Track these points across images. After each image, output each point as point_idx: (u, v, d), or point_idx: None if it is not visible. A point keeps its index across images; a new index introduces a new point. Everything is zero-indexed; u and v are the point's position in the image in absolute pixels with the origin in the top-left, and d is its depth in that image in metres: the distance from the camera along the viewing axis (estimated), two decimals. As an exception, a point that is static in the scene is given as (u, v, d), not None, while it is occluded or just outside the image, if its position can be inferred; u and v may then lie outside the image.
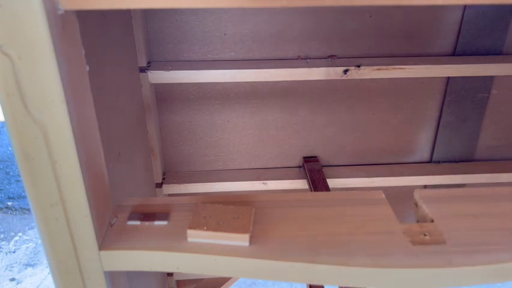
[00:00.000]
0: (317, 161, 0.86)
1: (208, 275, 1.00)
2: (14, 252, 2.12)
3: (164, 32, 0.72)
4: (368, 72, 0.72)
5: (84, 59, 0.32)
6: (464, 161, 0.89)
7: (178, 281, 1.02)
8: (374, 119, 0.84)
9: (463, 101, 0.82)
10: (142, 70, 0.70)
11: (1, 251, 2.12)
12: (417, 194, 0.40)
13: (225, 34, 0.73)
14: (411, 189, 0.39)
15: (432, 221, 0.37)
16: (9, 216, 2.36)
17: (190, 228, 0.36)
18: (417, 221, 0.40)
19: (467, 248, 0.34)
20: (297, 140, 0.86)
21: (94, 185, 0.34)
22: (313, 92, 0.80)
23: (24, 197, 2.47)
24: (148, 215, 0.39)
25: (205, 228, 0.36)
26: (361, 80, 0.73)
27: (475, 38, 0.76)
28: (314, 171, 0.83)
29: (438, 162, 0.89)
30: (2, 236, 2.22)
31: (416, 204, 0.41)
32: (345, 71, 0.72)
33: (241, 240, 0.36)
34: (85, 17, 0.39)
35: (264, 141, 0.85)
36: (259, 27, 0.73)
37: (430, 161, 0.90)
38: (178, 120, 0.81)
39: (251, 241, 0.36)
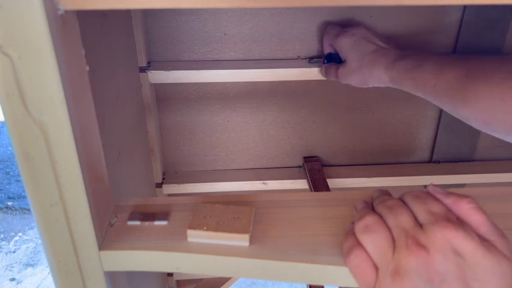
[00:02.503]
0: (317, 161, 0.86)
1: (208, 275, 1.00)
2: (14, 252, 2.12)
3: (164, 32, 0.72)
4: (368, 72, 0.72)
5: (84, 59, 0.32)
6: (464, 161, 0.89)
7: (178, 281, 1.02)
8: (374, 119, 0.84)
9: (463, 101, 0.82)
10: (142, 70, 0.70)
11: (1, 251, 2.12)
12: (417, 194, 0.40)
13: (225, 34, 0.73)
14: (411, 189, 0.39)
15: (432, 221, 0.37)
16: (9, 216, 2.36)
17: (190, 228, 0.36)
18: (418, 221, 0.40)
19: (467, 248, 0.34)
20: (297, 140, 0.86)
21: (94, 185, 0.34)
22: (313, 92, 0.80)
23: (24, 197, 2.47)
24: (148, 215, 0.39)
25: (205, 228, 0.36)
26: (361, 80, 0.73)
27: (475, 38, 0.76)
28: (314, 171, 0.83)
29: (438, 162, 0.89)
30: (2, 236, 2.22)
31: (416, 204, 0.40)
32: (345, 71, 0.72)
33: (241, 240, 0.36)
34: (85, 17, 0.39)
35: (264, 141, 0.85)
36: (259, 27, 0.73)
37: (430, 161, 0.90)
38: (178, 120, 0.81)
39: (251, 241, 0.36)
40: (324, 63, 0.71)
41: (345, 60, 0.66)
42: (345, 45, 0.65)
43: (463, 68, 0.52)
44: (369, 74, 0.63)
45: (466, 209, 0.32)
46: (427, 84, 0.55)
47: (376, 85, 0.64)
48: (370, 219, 0.34)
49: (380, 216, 0.34)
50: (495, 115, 0.49)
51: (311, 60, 0.73)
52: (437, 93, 0.55)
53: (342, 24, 0.71)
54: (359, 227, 0.34)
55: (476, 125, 0.53)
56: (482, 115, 0.50)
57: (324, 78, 0.72)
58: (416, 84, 0.57)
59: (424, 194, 0.35)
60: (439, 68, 0.55)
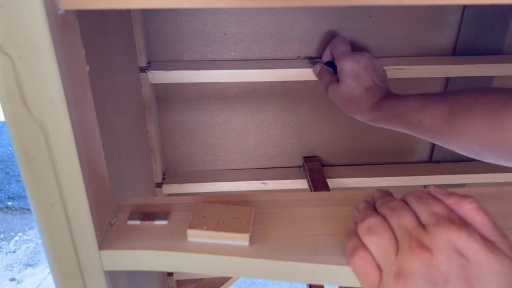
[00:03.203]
0: (317, 161, 0.86)
1: (208, 275, 1.00)
2: (14, 252, 2.12)
3: (164, 32, 0.72)
4: (368, 72, 0.72)
5: (84, 59, 0.32)
6: (464, 161, 0.89)
7: (178, 281, 1.02)
8: (374, 119, 0.84)
9: (462, 101, 0.82)
10: (142, 70, 0.70)
11: (1, 251, 2.13)
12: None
13: (225, 34, 0.73)
14: (411, 189, 0.39)
15: (432, 220, 0.37)
16: (9, 216, 2.36)
17: (190, 227, 0.36)
18: (417, 221, 0.40)
19: (467, 247, 0.34)
20: (297, 140, 0.86)
21: (94, 185, 0.34)
22: (313, 92, 0.80)
23: (24, 197, 2.47)
24: (148, 215, 0.39)
25: (205, 228, 0.36)
26: (361, 80, 0.73)
27: (475, 38, 0.76)
28: (314, 171, 0.83)
29: (438, 162, 0.89)
30: (2, 236, 2.22)
31: (416, 204, 0.40)
32: (345, 71, 0.72)
33: (241, 239, 0.36)
34: (85, 16, 0.39)
35: (264, 141, 0.85)
36: (259, 27, 0.73)
37: (430, 161, 0.90)
38: (178, 120, 0.81)
39: (251, 241, 0.36)
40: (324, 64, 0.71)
41: (340, 79, 0.67)
42: (346, 69, 0.66)
43: (444, 104, 0.55)
44: (353, 108, 0.66)
45: (467, 210, 0.32)
46: (412, 121, 0.58)
47: (355, 117, 0.67)
48: (373, 221, 0.34)
49: (383, 217, 0.34)
50: (481, 145, 0.52)
51: (311, 60, 0.73)
52: (423, 128, 0.57)
53: (359, 43, 0.72)
54: (362, 228, 0.34)
55: (465, 154, 0.56)
56: (470, 146, 0.53)
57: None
58: (401, 121, 0.60)
59: (426, 194, 0.35)
60: (422, 104, 0.57)
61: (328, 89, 0.68)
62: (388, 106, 0.61)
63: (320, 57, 0.75)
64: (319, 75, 0.70)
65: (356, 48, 0.75)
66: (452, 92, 0.57)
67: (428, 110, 0.56)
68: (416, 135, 0.60)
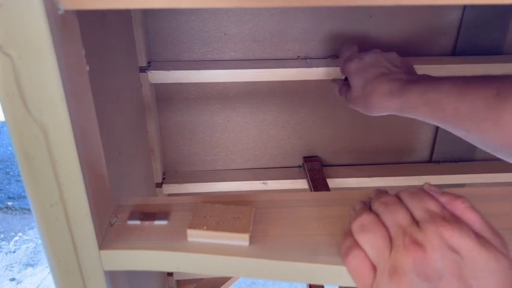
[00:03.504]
0: (317, 161, 0.86)
1: (208, 275, 1.00)
2: (14, 252, 2.12)
3: (165, 32, 0.72)
4: (368, 72, 0.72)
5: (84, 59, 0.32)
6: (464, 161, 0.89)
7: (178, 281, 1.02)
8: (374, 118, 0.84)
9: (462, 101, 0.82)
10: (142, 70, 0.70)
11: (1, 251, 2.13)
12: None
13: (225, 34, 0.73)
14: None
15: (432, 220, 0.37)
16: (9, 216, 2.36)
17: (190, 227, 0.36)
18: (417, 221, 0.40)
19: (467, 247, 0.34)
20: (297, 140, 0.86)
21: (94, 185, 0.34)
22: (313, 92, 0.80)
23: (24, 197, 2.47)
24: (148, 215, 0.39)
25: (205, 228, 0.36)
26: (361, 80, 0.73)
27: (475, 38, 0.76)
28: (314, 171, 0.83)
29: (438, 162, 0.89)
30: (2, 236, 2.22)
31: (416, 204, 0.40)
32: (345, 71, 0.72)
33: (241, 240, 0.36)
34: (85, 17, 0.39)
35: (264, 141, 0.85)
36: (259, 27, 0.73)
37: (430, 161, 0.90)
38: (178, 120, 0.81)
39: (251, 241, 0.36)
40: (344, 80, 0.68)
41: (350, 83, 0.62)
42: (351, 69, 0.61)
43: (490, 87, 0.46)
44: (373, 104, 0.58)
45: (460, 208, 0.32)
46: (447, 108, 0.49)
47: (382, 114, 0.59)
48: (366, 218, 0.34)
49: (377, 215, 0.34)
50: None
51: (311, 60, 0.73)
52: (460, 117, 0.48)
53: (359, 43, 0.68)
54: (355, 226, 0.34)
55: (504, 150, 0.47)
56: None
57: (324, 78, 0.72)
58: (433, 110, 0.51)
59: (420, 191, 0.35)
60: (461, 88, 0.48)
61: (346, 99, 0.64)
62: (417, 92, 0.53)
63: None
64: (339, 92, 0.67)
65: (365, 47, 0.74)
66: (497, 77, 0.48)
67: (470, 95, 0.47)
68: (447, 128, 0.52)
